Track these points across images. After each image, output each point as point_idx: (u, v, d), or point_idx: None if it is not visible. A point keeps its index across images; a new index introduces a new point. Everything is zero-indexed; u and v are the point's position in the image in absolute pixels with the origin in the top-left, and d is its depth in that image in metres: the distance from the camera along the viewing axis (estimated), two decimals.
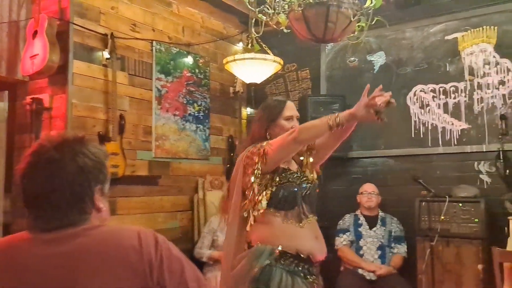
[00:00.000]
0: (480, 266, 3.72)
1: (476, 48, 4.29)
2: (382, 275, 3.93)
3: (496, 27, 4.20)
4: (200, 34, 4.96)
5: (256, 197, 2.08)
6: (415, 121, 4.53)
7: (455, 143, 4.32)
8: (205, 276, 3.88)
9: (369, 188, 4.29)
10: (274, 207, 2.12)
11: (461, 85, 4.34)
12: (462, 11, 4.39)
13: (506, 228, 3.64)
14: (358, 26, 3.40)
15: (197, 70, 4.85)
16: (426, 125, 4.48)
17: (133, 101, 4.17)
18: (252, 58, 3.99)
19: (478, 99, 4.26)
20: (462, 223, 3.86)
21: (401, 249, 4.12)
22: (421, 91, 4.52)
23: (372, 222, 4.21)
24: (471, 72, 4.30)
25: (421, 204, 4.01)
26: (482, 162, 4.16)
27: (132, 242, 1.15)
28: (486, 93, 4.22)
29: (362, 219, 4.26)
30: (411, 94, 4.58)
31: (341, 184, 4.87)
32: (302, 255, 2.08)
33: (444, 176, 4.32)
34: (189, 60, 4.76)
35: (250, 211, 2.10)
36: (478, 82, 4.26)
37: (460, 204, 3.89)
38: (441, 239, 3.85)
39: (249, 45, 4.08)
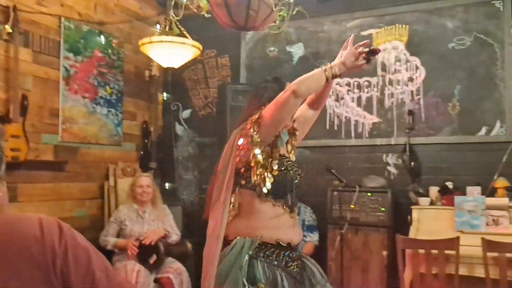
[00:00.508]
0: (384, 253, 3.91)
1: (389, 45, 4.48)
2: None
3: (407, 26, 4.41)
4: (114, 13, 4.69)
5: (262, 172, 1.90)
6: (330, 114, 4.65)
7: (367, 135, 4.50)
8: (114, 265, 3.70)
9: None
10: (266, 193, 1.95)
11: (374, 80, 4.52)
12: (377, 8, 4.56)
13: (409, 217, 3.86)
14: (279, 16, 3.41)
15: (110, 51, 4.60)
16: (340, 118, 4.61)
17: (38, 80, 3.86)
18: (170, 42, 3.85)
19: (389, 94, 4.45)
20: (370, 212, 4.03)
21: (313, 237, 4.23)
22: (336, 84, 4.64)
23: None
24: (384, 68, 4.48)
25: (333, 194, 4.14)
26: (390, 154, 4.38)
27: (33, 231, 1.03)
28: (396, 88, 4.43)
29: None
30: None
31: None
32: (282, 244, 1.95)
33: (355, 167, 4.49)
34: (101, 39, 4.49)
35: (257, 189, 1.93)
36: (390, 78, 4.46)
37: (369, 194, 4.06)
38: (351, 227, 4.00)
39: (167, 27, 3.93)
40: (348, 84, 4.61)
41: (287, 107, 1.85)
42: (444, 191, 3.97)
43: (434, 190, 4.04)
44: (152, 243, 3.81)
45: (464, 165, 4.11)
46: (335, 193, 4.11)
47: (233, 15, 2.94)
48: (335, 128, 4.61)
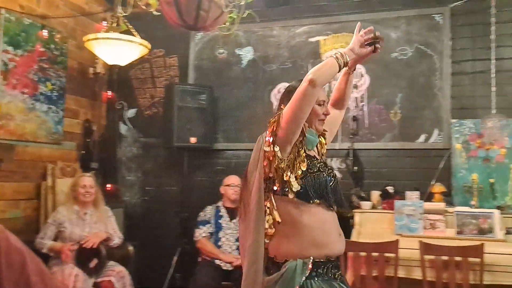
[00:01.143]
0: None
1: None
2: (239, 265, 3.98)
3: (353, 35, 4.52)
4: (59, 6, 4.52)
5: (286, 174, 1.82)
6: None
7: None
8: (51, 269, 3.54)
9: (235, 180, 4.32)
10: (301, 198, 1.84)
11: None
12: (325, 16, 4.65)
13: (351, 220, 3.95)
14: (230, 17, 3.41)
15: (52, 46, 4.41)
16: None
17: None
18: (117, 39, 3.75)
19: None
20: None
21: None
22: (284, 89, 4.67)
23: (233, 214, 4.25)
24: None
25: None
26: (335, 159, 4.47)
27: None
28: None
29: (223, 211, 4.27)
30: (275, 90, 4.73)
31: (204, 175, 4.85)
32: (331, 259, 1.87)
33: None
34: (43, 33, 4.30)
35: (273, 199, 1.84)
36: (335, 84, 4.54)
37: None
38: None
39: (114, 24, 3.83)
40: None
41: (306, 98, 1.77)
42: (385, 195, 4.10)
43: (375, 194, 4.16)
44: (94, 246, 3.68)
45: (404, 171, 4.26)
46: None
47: (183, 14, 2.91)
48: None
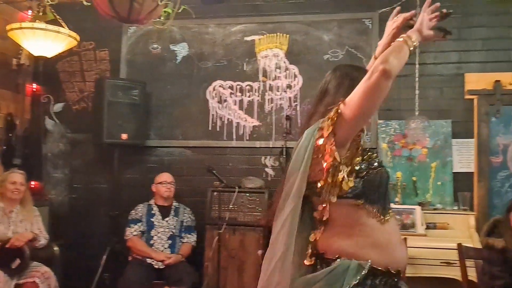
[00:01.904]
0: (260, 252, 4.02)
1: (270, 52, 4.64)
2: (171, 263, 3.94)
3: (288, 35, 4.61)
4: None
5: (337, 175, 1.53)
6: (213, 115, 4.67)
7: (247, 138, 4.61)
8: None
9: (168, 178, 4.27)
10: (356, 197, 1.57)
11: (255, 85, 4.64)
12: (260, 15, 4.70)
13: None
14: (165, 12, 3.35)
15: None
16: (223, 120, 4.66)
17: None
18: (43, 29, 3.57)
19: (269, 99, 4.61)
20: (247, 212, 4.13)
21: (191, 238, 4.20)
22: (220, 86, 4.68)
23: (165, 212, 4.20)
24: (265, 73, 4.63)
25: (213, 194, 4.18)
26: (268, 157, 4.54)
27: None
28: (276, 94, 4.60)
29: (155, 209, 4.21)
30: (210, 88, 4.71)
31: (136, 172, 4.73)
32: (392, 271, 1.56)
33: (235, 168, 4.57)
34: None
35: (327, 195, 1.54)
36: (270, 84, 4.62)
37: (248, 194, 4.17)
38: (228, 227, 4.06)
39: (41, 13, 3.64)
40: (231, 87, 4.68)
41: (379, 92, 1.45)
42: None
43: None
44: (19, 246, 3.50)
45: None
46: (215, 193, 4.14)
47: (115, 5, 2.82)
48: (217, 129, 4.65)
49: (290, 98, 4.58)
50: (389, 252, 1.56)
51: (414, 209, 3.81)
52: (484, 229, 3.17)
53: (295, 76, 4.59)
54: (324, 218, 1.57)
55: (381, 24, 4.42)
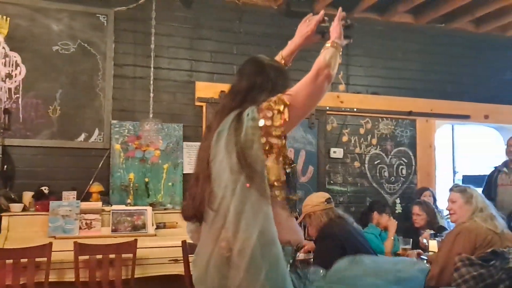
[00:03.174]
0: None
1: None
2: None
3: (8, 18, 4.06)
4: None
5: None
6: None
7: None
8: None
9: None
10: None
11: None
12: None
13: None
14: None
15: None
16: None
17: None
18: None
19: None
20: None
21: None
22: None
23: None
24: None
25: None
26: None
27: None
28: None
29: None
30: None
31: None
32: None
33: None
34: None
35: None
36: None
37: None
38: None
39: None
40: None
41: (322, 93, 1.61)
42: (39, 196, 3.84)
43: (28, 195, 3.86)
44: None
45: (62, 170, 4.10)
46: None
47: None
48: None
49: (10, 89, 4.04)
50: (297, 234, 1.71)
51: (145, 210, 3.86)
52: None
53: (17, 65, 4.08)
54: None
55: (117, 23, 4.35)
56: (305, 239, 3.21)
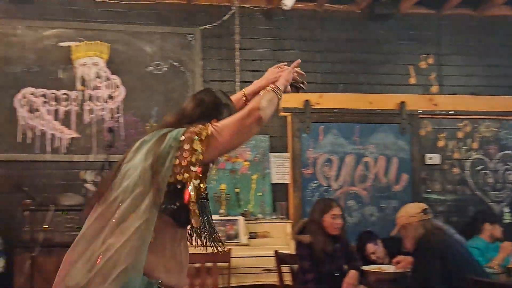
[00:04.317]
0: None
1: (89, 60, 4.38)
2: None
3: (108, 44, 4.41)
4: None
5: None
6: (22, 125, 4.21)
7: (64, 151, 4.26)
8: None
9: None
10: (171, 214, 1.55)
11: (73, 94, 4.33)
12: (77, 21, 4.42)
13: None
14: None
15: None
16: (35, 131, 4.23)
17: None
18: None
19: (88, 109, 4.34)
20: (65, 232, 3.81)
21: None
22: (31, 94, 4.25)
23: None
24: (83, 82, 4.35)
25: (23, 214, 3.77)
26: (89, 171, 4.26)
27: None
28: (96, 105, 4.36)
29: None
30: (19, 95, 4.24)
31: None
32: None
33: (50, 184, 4.19)
34: None
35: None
36: (90, 94, 4.36)
37: (65, 212, 3.84)
38: (43, 250, 3.70)
39: None
40: (44, 95, 4.28)
41: (249, 134, 1.61)
42: None
43: None
44: None
45: None
46: (27, 213, 3.75)
47: None
48: (28, 141, 4.20)
49: (112, 109, 4.39)
50: (179, 274, 1.62)
51: (237, 219, 3.98)
52: (295, 228, 3.48)
53: (117, 86, 4.42)
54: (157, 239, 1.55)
55: (204, 40, 4.55)
56: (400, 252, 3.12)
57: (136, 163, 1.55)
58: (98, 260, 1.44)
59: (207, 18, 4.56)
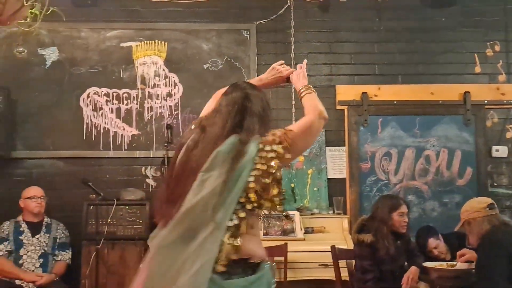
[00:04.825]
0: (141, 265, 3.88)
1: (148, 59, 4.52)
2: (43, 284, 3.67)
3: (166, 43, 4.53)
4: None
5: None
6: (87, 124, 4.43)
7: (125, 148, 4.43)
8: None
9: (37, 192, 3.94)
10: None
11: (133, 93, 4.49)
12: (136, 21, 4.57)
13: None
14: (31, 13, 3.10)
15: None
16: (99, 128, 4.43)
17: None
18: None
19: (148, 107, 4.49)
20: (127, 225, 3.97)
21: (65, 256, 3.94)
22: (94, 93, 4.46)
23: (35, 229, 3.88)
24: (143, 81, 4.50)
25: (89, 208, 3.96)
26: (149, 167, 4.41)
27: None
28: (155, 102, 4.50)
29: (24, 226, 3.87)
30: (84, 95, 4.46)
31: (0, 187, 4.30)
32: None
33: (113, 179, 4.37)
34: None
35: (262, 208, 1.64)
36: (149, 92, 4.50)
37: (127, 207, 4.00)
38: (107, 242, 3.88)
39: None
40: (107, 95, 4.47)
41: (319, 133, 2.01)
42: None
43: None
44: None
45: None
46: (92, 207, 3.93)
47: None
48: (93, 139, 4.41)
49: (170, 106, 4.51)
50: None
51: (293, 214, 3.97)
52: (355, 227, 3.42)
53: (175, 84, 4.53)
54: (253, 227, 1.65)
55: (258, 36, 4.56)
56: (465, 247, 3.01)
57: (215, 175, 1.56)
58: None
59: (262, 13, 4.56)
